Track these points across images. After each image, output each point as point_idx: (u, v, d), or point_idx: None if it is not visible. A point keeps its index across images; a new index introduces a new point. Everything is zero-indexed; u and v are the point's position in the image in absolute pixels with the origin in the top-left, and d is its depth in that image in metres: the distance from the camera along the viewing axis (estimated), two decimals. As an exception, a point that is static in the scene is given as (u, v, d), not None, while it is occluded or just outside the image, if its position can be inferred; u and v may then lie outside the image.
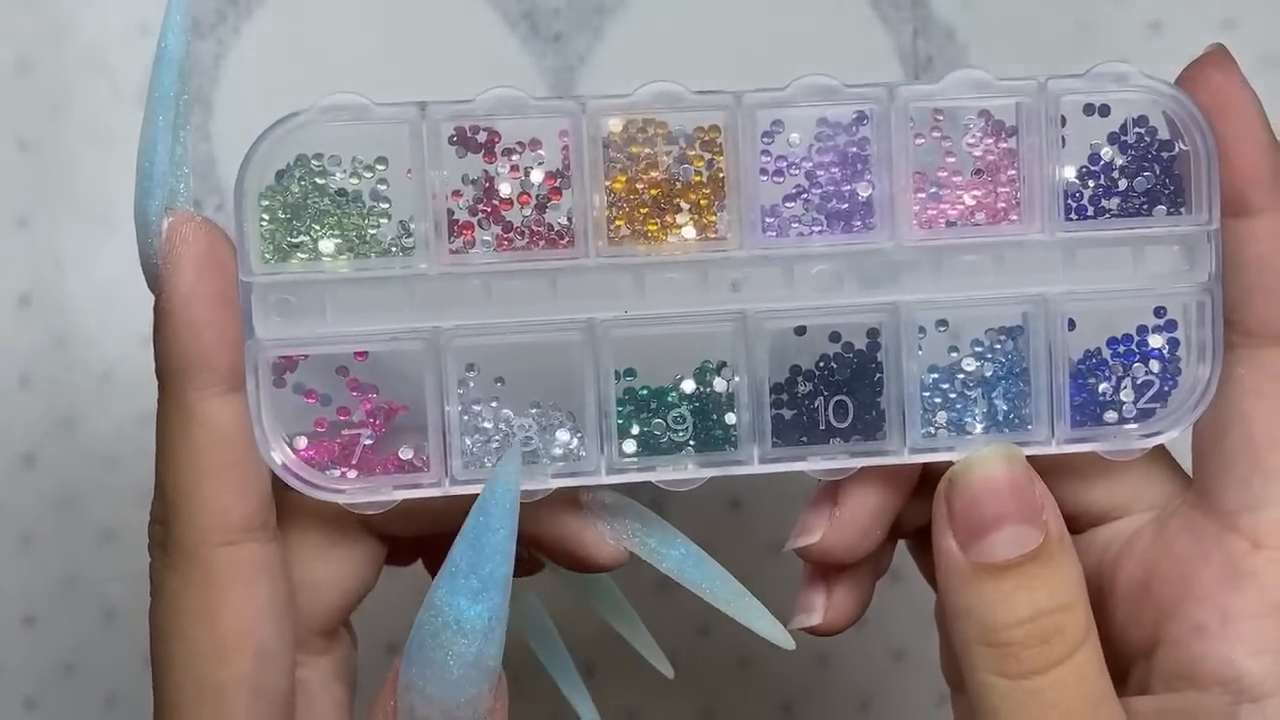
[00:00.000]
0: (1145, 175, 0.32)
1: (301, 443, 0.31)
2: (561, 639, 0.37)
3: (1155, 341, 0.33)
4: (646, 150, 0.31)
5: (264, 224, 0.31)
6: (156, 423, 0.30)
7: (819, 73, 0.31)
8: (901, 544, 0.47)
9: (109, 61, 0.47)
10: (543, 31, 0.48)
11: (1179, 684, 0.31)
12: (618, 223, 0.31)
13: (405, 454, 0.31)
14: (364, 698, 0.32)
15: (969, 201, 0.32)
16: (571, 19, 0.48)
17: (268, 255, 0.31)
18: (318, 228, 0.31)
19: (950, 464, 0.31)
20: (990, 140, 0.32)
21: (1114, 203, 0.32)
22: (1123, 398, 0.33)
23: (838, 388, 0.32)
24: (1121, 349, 0.33)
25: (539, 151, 0.31)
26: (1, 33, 0.47)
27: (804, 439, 0.32)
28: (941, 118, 0.32)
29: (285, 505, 0.31)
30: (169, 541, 0.30)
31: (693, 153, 0.31)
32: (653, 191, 0.31)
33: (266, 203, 0.31)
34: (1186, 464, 0.34)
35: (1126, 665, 0.33)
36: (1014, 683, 0.29)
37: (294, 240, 0.31)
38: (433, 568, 0.36)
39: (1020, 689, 0.28)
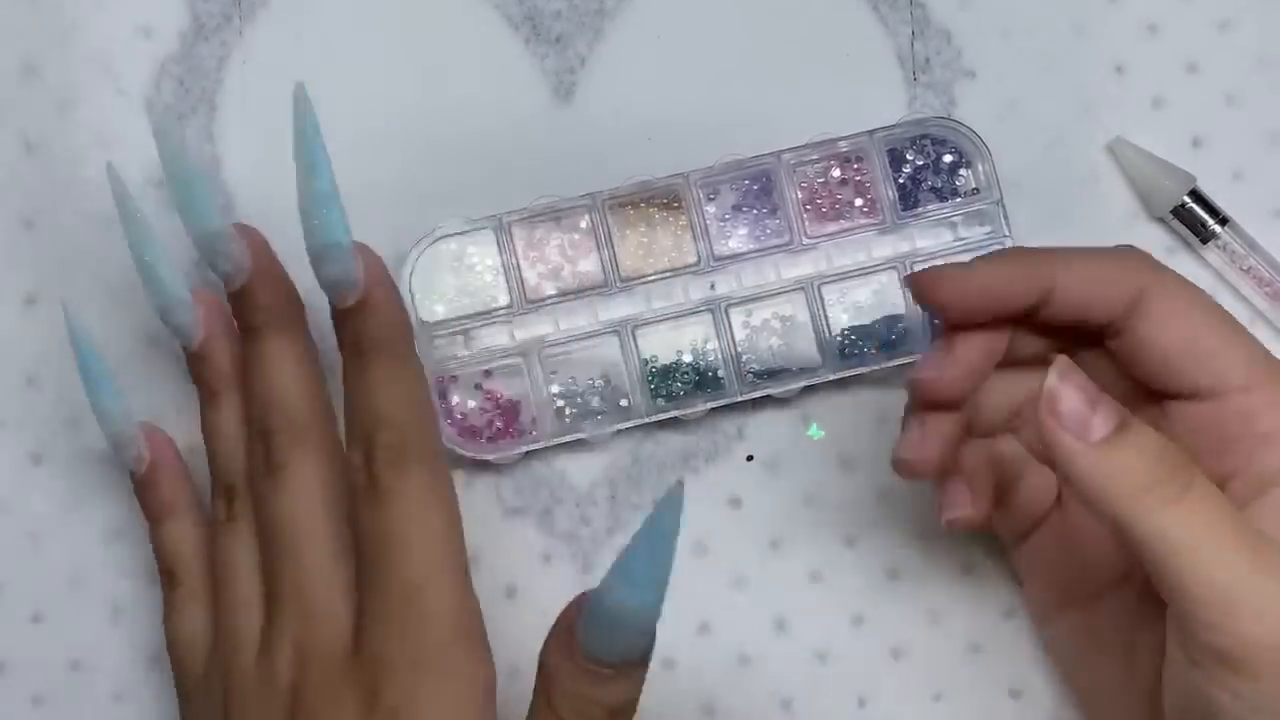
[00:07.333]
0: (939, 175, 0.47)
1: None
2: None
3: None
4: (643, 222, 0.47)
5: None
6: (375, 378, 0.40)
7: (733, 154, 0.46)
8: (901, 542, 0.47)
9: (113, 64, 0.48)
10: (544, 33, 0.48)
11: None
12: (628, 262, 0.46)
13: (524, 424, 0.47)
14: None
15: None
16: (573, 21, 0.48)
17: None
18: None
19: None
20: (839, 170, 0.47)
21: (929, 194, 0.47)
22: None
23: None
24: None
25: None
26: (7, 36, 0.48)
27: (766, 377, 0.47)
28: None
29: None
30: (406, 455, 0.39)
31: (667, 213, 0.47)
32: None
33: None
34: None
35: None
36: (1173, 507, 0.35)
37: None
38: None
39: (1180, 511, 0.35)
